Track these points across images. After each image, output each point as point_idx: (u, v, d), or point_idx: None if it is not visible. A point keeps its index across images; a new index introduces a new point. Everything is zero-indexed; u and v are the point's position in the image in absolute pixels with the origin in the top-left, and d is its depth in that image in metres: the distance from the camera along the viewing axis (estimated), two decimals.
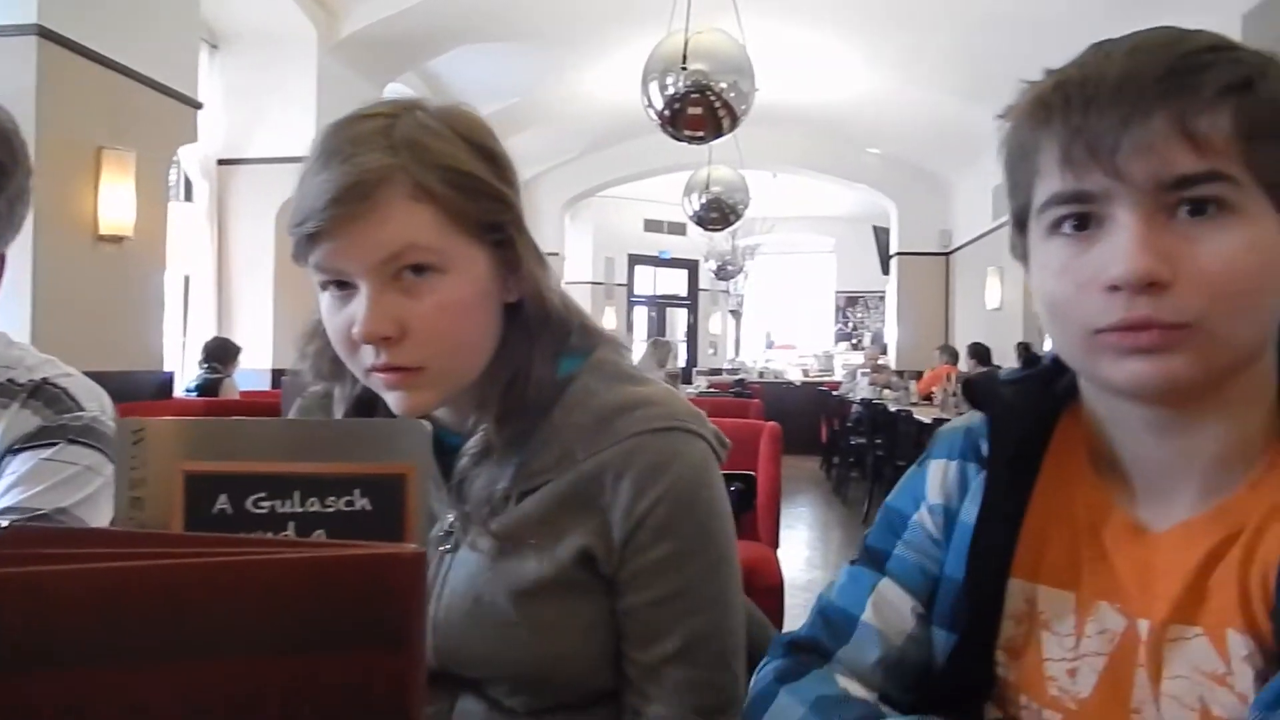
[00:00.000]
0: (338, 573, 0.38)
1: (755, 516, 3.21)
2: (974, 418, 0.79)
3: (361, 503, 0.50)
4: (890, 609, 0.76)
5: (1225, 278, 0.56)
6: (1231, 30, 4.62)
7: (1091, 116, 0.57)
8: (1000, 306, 8.54)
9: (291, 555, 0.38)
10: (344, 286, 0.79)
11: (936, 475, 0.78)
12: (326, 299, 0.81)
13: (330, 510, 0.50)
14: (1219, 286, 0.56)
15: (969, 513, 0.74)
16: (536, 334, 0.85)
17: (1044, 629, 0.69)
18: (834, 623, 0.78)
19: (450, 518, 0.86)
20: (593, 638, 0.84)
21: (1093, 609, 0.67)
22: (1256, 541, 0.60)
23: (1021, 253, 0.67)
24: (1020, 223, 0.66)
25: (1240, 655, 0.59)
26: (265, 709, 0.37)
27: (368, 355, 0.79)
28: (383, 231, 0.76)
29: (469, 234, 0.80)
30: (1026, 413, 0.73)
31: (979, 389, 0.77)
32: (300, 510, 0.51)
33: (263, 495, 0.51)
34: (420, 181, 0.77)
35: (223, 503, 0.51)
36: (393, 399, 0.81)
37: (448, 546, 0.86)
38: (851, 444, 7.91)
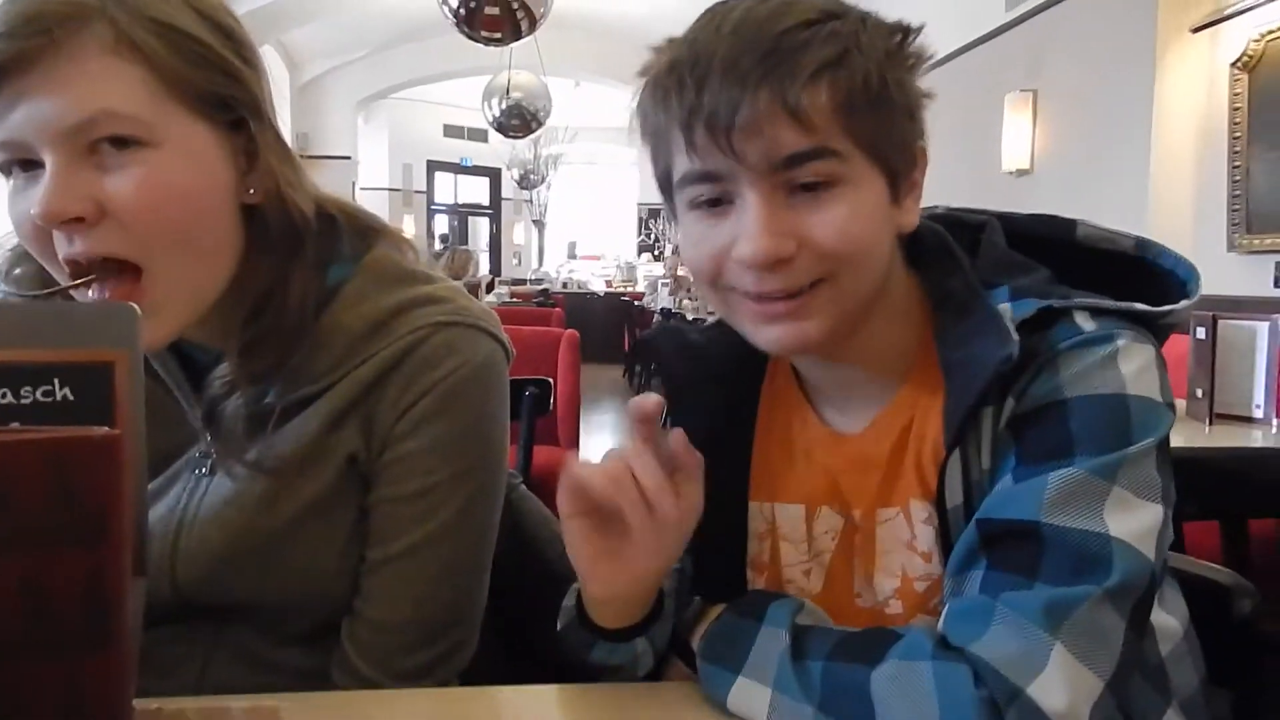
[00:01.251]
0: (14, 462, 0.34)
1: (555, 421, 3.24)
2: None
3: (63, 393, 0.45)
4: None
5: (840, 244, 0.63)
6: None
7: (704, 98, 0.60)
8: None
9: None
10: (29, 167, 0.67)
11: None
12: (10, 189, 0.68)
13: (26, 402, 0.45)
14: (836, 253, 0.63)
15: None
16: (288, 245, 0.74)
17: (783, 540, 0.76)
18: None
19: (208, 438, 0.78)
20: (352, 551, 0.78)
21: (817, 514, 0.74)
22: (925, 422, 0.69)
23: (670, 213, 0.71)
24: (665, 188, 0.70)
25: (920, 519, 0.69)
26: None
27: (60, 245, 0.67)
28: (70, 91, 0.64)
29: (188, 106, 0.69)
30: (727, 353, 0.76)
31: (652, 351, 0.79)
32: None
33: None
34: (126, 31, 0.66)
35: None
36: None
37: (204, 470, 0.78)
38: None
